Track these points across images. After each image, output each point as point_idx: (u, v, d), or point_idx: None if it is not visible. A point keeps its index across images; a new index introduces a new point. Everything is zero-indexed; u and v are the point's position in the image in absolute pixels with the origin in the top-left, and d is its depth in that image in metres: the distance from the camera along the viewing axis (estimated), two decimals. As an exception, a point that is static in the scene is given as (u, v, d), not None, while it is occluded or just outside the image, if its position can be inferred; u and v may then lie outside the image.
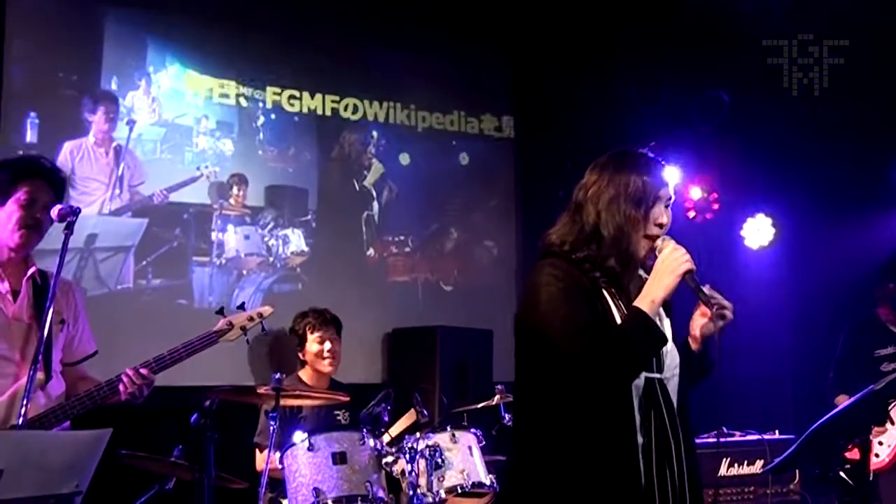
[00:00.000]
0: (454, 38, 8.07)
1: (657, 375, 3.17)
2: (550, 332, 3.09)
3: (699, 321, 3.28)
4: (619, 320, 3.14)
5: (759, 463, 6.16)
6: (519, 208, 8.46)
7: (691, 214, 8.39)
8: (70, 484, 2.80)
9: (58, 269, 3.88)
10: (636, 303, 3.12)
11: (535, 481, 3.15)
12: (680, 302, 3.28)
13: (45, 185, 4.06)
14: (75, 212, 3.94)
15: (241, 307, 4.47)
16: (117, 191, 6.64)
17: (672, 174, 3.33)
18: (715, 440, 6.17)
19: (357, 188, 7.76)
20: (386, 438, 5.39)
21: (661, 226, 3.21)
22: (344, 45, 7.66)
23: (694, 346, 3.31)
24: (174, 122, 6.95)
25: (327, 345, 6.19)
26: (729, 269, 8.38)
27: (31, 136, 6.35)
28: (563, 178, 8.08)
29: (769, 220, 8.56)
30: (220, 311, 4.43)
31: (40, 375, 3.87)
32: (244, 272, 7.16)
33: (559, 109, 8.28)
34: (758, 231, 8.61)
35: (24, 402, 3.65)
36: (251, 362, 6.85)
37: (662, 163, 3.33)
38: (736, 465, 6.16)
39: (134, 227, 6.67)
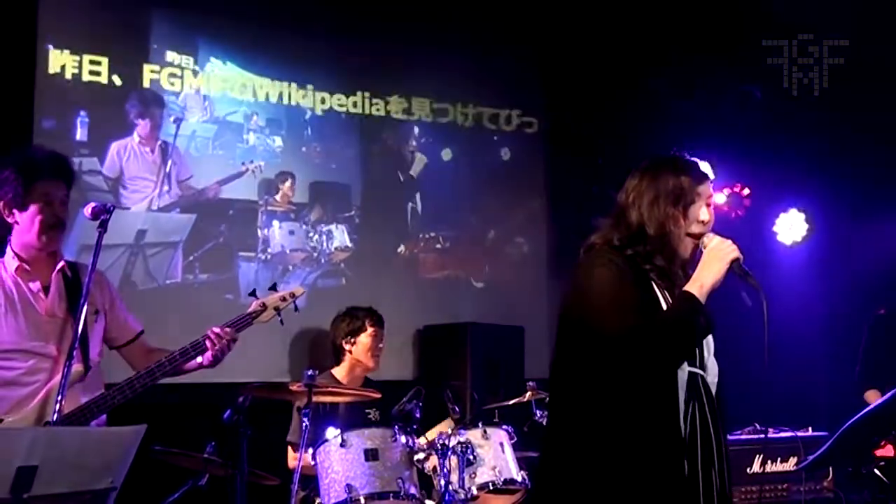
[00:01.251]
0: (487, 36, 8.05)
1: (700, 371, 3.21)
2: (600, 310, 3.16)
3: None
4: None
5: (793, 460, 6.11)
6: (550, 205, 8.44)
7: (723, 210, 8.34)
8: (105, 480, 2.82)
9: (92, 265, 3.93)
10: (686, 287, 3.19)
11: (575, 471, 3.17)
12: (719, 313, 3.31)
13: (58, 181, 4.10)
14: (108, 209, 3.98)
15: (273, 288, 4.47)
16: (165, 187, 6.75)
17: (710, 173, 3.40)
18: (748, 437, 6.14)
19: (401, 179, 7.85)
20: (422, 441, 5.39)
21: (703, 223, 3.30)
22: (386, 44, 7.70)
23: None
24: (225, 119, 7.07)
25: (380, 343, 6.27)
26: (761, 265, 8.31)
27: (80, 134, 6.46)
28: (595, 175, 8.09)
29: (802, 216, 8.49)
30: (253, 293, 4.44)
31: (79, 367, 3.92)
32: (289, 267, 7.26)
33: (590, 106, 8.25)
34: (791, 227, 8.54)
35: (59, 398, 3.68)
36: (285, 359, 6.87)
37: (700, 163, 3.41)
38: (769, 462, 6.11)
39: (182, 222, 6.78)
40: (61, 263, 4.17)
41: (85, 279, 3.97)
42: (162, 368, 4.10)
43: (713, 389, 3.27)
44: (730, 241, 3.25)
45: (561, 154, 8.44)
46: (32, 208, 4.04)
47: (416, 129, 7.93)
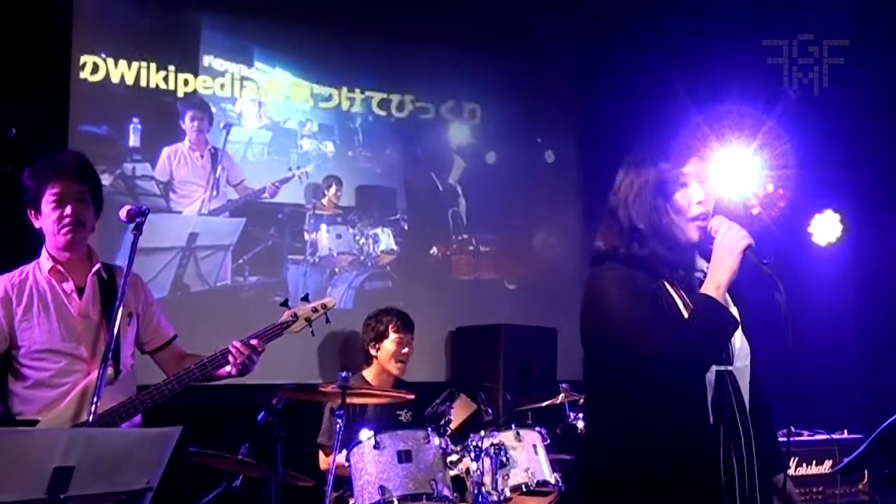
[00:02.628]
0: (524, 40, 8.16)
1: (727, 368, 3.14)
2: (621, 334, 3.08)
3: None
4: (685, 313, 3.10)
5: (828, 463, 6.08)
6: (583, 206, 8.43)
7: (756, 210, 8.29)
8: (141, 480, 2.83)
9: (127, 268, 3.94)
10: (702, 289, 3.10)
11: (610, 474, 3.15)
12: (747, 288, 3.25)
13: (69, 178, 4.12)
14: (143, 212, 3.99)
15: (305, 298, 4.49)
16: (215, 192, 6.84)
17: (696, 148, 3.26)
18: (783, 439, 6.09)
19: (444, 182, 7.93)
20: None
21: (700, 204, 3.17)
22: (431, 47, 7.81)
23: None
24: (281, 125, 7.21)
25: (405, 349, 6.25)
26: (796, 266, 8.26)
27: (133, 140, 6.56)
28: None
29: (837, 216, 8.43)
30: (285, 304, 4.46)
31: (109, 371, 3.93)
32: (336, 270, 7.36)
33: (622, 105, 8.23)
34: (825, 227, 8.48)
35: (95, 400, 3.71)
36: (319, 361, 6.89)
37: (684, 142, 3.28)
38: (804, 464, 6.09)
39: (232, 226, 6.89)
40: (97, 266, 4.21)
41: (120, 282, 4.00)
42: (191, 375, 4.13)
43: (745, 379, 3.19)
44: (738, 228, 3.12)
45: (593, 154, 8.43)
46: (47, 209, 4.09)
47: (461, 132, 8.03)
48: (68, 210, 4.09)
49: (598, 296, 3.18)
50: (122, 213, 4.03)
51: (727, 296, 3.14)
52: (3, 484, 2.54)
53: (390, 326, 6.24)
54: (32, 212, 4.14)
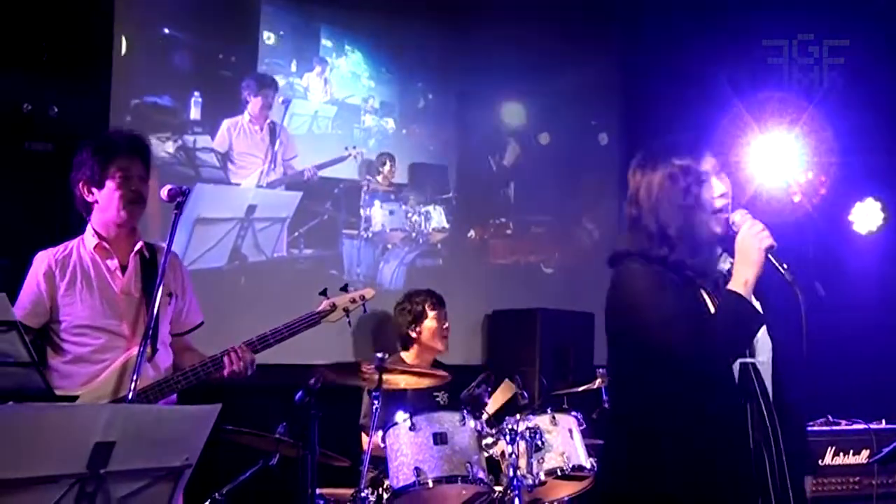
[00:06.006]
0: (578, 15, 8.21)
1: (750, 360, 3.14)
2: (646, 325, 3.09)
3: None
4: (713, 309, 3.11)
5: (865, 453, 6.03)
6: (621, 191, 8.41)
7: (797, 198, 8.23)
8: (181, 457, 2.85)
9: (168, 245, 4.00)
10: (730, 286, 3.09)
11: (637, 464, 3.14)
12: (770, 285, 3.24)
13: (135, 158, 4.20)
14: (184, 192, 4.05)
15: (344, 289, 4.53)
16: (272, 165, 6.91)
17: (703, 140, 3.24)
18: (820, 428, 6.06)
19: (496, 163, 8.03)
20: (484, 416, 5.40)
21: (722, 196, 3.17)
22: (486, 31, 7.85)
23: None
24: (344, 101, 7.30)
25: (445, 324, 6.30)
26: (836, 255, 8.20)
27: (195, 113, 6.62)
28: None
29: (878, 205, 8.35)
30: (324, 293, 4.48)
31: (147, 349, 3.97)
32: (388, 246, 7.44)
33: (662, 92, 8.20)
34: (866, 216, 8.41)
35: (134, 377, 3.75)
36: (357, 342, 6.91)
37: (693, 137, 3.28)
38: (841, 454, 6.04)
39: (289, 199, 6.97)
40: (140, 244, 4.25)
41: (161, 260, 4.03)
42: (186, 378, 4.16)
43: (768, 372, 3.19)
44: (760, 226, 3.11)
45: (631, 139, 8.41)
46: (110, 185, 4.13)
47: (516, 114, 8.12)
48: (135, 186, 4.16)
49: (626, 287, 3.18)
50: (164, 193, 4.09)
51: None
52: (45, 457, 2.56)
53: (426, 305, 6.29)
54: (88, 187, 4.18)
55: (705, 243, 3.19)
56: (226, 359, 4.15)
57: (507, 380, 5.82)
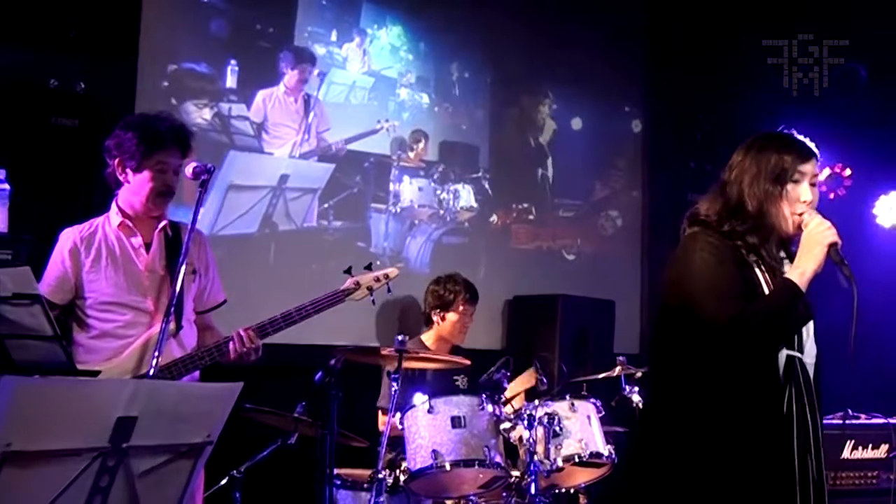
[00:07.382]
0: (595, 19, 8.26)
1: (798, 354, 3.20)
2: (699, 295, 3.18)
3: None
4: (767, 292, 3.19)
5: (884, 447, 6.02)
6: (647, 179, 8.39)
7: (822, 189, 8.20)
8: (202, 433, 2.87)
9: (192, 223, 4.01)
10: (787, 274, 3.17)
11: (677, 451, 3.19)
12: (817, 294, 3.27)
13: (176, 149, 4.21)
14: (209, 170, 4.06)
15: (369, 267, 4.52)
16: (306, 136, 6.92)
17: (816, 151, 3.37)
18: (840, 422, 6.04)
19: (531, 145, 8.09)
20: (508, 397, 5.40)
21: (805, 203, 3.27)
22: (523, 17, 7.95)
23: None
24: (381, 73, 7.33)
25: (468, 320, 6.31)
26: (860, 248, 8.15)
27: (230, 81, 6.63)
28: (693, 150, 8.01)
29: (903, 198, 8.33)
30: (348, 271, 4.49)
31: (171, 325, 3.98)
32: (416, 222, 7.46)
33: (689, 80, 8.17)
34: (891, 209, 8.38)
35: (156, 353, 3.77)
36: (379, 321, 6.93)
37: (807, 141, 3.37)
38: (860, 448, 6.02)
39: (321, 171, 6.99)
40: (164, 222, 4.28)
41: (185, 237, 4.05)
42: (202, 358, 4.17)
43: (811, 372, 3.26)
44: (828, 224, 3.21)
45: (658, 128, 8.38)
46: (146, 174, 4.16)
47: (548, 96, 8.17)
48: (168, 180, 4.20)
49: (687, 257, 3.28)
50: (188, 171, 4.10)
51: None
52: (68, 431, 2.58)
53: (459, 298, 6.29)
54: (123, 167, 4.20)
55: (773, 234, 3.29)
56: (231, 343, 4.16)
57: (531, 368, 5.83)
